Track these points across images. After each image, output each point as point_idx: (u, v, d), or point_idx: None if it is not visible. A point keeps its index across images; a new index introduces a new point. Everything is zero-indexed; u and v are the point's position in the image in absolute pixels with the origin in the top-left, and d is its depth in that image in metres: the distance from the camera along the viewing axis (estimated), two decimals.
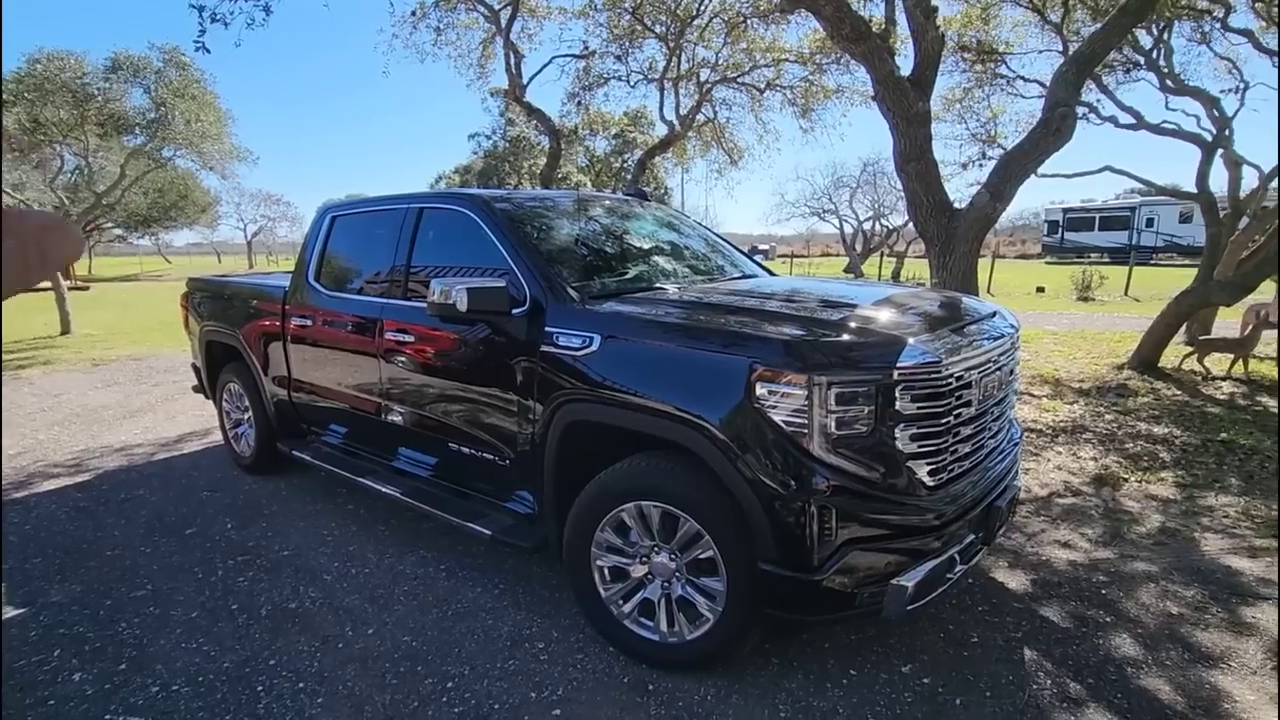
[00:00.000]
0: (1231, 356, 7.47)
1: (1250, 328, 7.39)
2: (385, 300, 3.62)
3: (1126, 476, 4.50)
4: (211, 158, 13.94)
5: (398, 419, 3.58)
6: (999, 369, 2.68)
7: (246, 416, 4.79)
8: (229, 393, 4.94)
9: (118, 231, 40.02)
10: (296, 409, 4.35)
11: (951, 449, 2.41)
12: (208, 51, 6.65)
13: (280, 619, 3.01)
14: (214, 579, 3.38)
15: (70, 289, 14.58)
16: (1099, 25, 6.30)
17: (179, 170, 23.98)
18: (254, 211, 57.03)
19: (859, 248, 35.40)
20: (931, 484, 2.35)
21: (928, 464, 2.33)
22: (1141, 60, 10.06)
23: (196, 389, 5.49)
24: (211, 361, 5.10)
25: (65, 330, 12.48)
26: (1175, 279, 13.11)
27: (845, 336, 2.33)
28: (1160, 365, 7.81)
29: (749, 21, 10.70)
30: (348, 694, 2.51)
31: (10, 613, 3.09)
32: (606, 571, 2.69)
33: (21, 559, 3.60)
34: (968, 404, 2.45)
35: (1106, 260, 32.24)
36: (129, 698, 2.51)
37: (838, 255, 48.51)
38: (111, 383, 8.14)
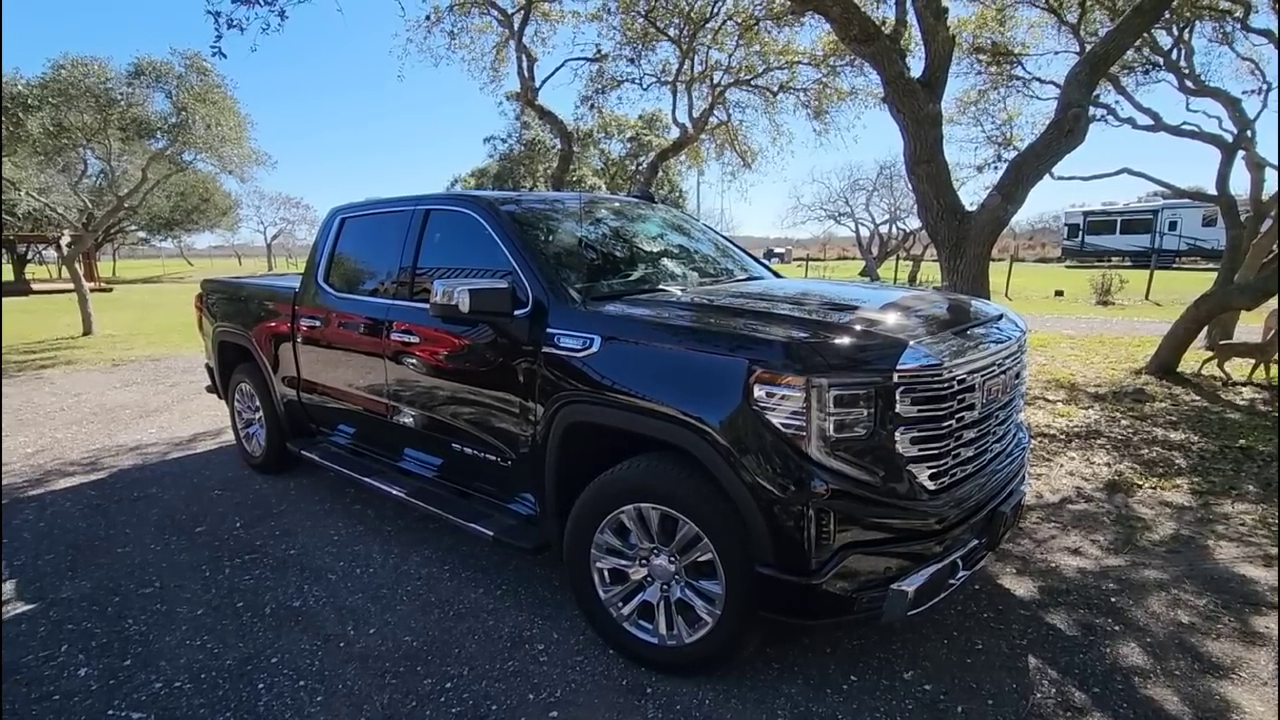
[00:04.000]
0: (1253, 361, 7.33)
1: (1272, 332, 7.23)
2: (392, 301, 3.64)
3: (1140, 482, 4.43)
4: (231, 161, 14.12)
5: (403, 419, 3.60)
6: (1004, 372, 2.65)
7: (257, 416, 4.84)
8: (240, 393, 5.00)
9: (141, 234, 40.79)
10: (305, 409, 4.39)
11: (954, 453, 2.38)
12: (224, 57, 6.75)
13: (284, 617, 3.04)
14: (221, 577, 3.41)
15: (92, 290, 14.83)
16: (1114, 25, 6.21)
17: (200, 174, 24.38)
18: (273, 214, 57.92)
19: (875, 251, 35.17)
20: (933, 488, 2.32)
21: (929, 468, 2.30)
22: (1161, 61, 9.91)
23: (210, 389, 5.56)
24: (224, 362, 5.16)
25: (87, 331, 12.70)
26: (1198, 283, 12.88)
27: (844, 338, 2.31)
28: (1179, 370, 7.68)
29: (761, 23, 10.67)
30: (347, 693, 2.52)
31: (21, 608, 3.14)
32: (606, 573, 2.69)
33: (34, 555, 3.66)
34: (970, 407, 2.42)
35: (1128, 264, 31.79)
36: (133, 693, 2.54)
37: (854, 258, 48.21)
38: (130, 383, 8.27)
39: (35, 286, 27.02)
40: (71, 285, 13.66)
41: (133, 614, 3.08)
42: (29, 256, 35.56)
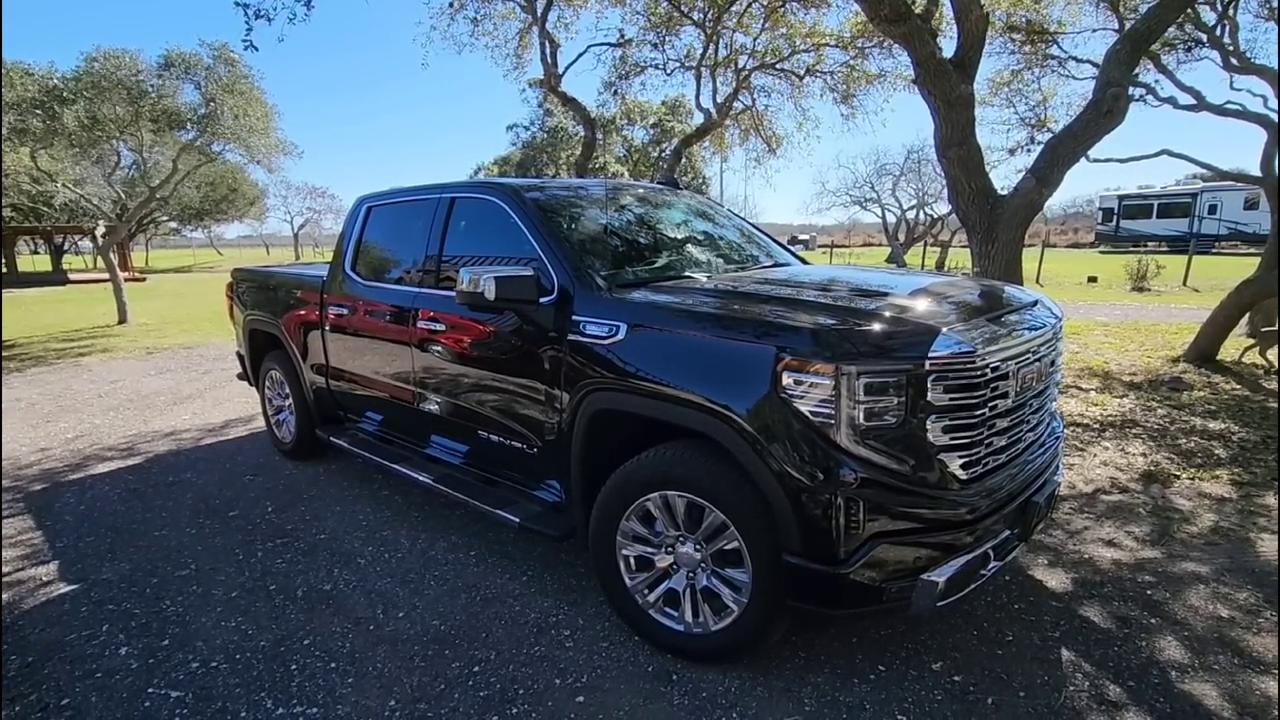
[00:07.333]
0: None
1: None
2: (418, 289, 3.66)
3: (1178, 473, 4.32)
4: (258, 151, 14.29)
5: (429, 406, 3.63)
6: (1039, 360, 2.58)
7: (287, 403, 4.92)
8: (271, 380, 5.08)
9: (172, 224, 41.63)
10: (334, 396, 4.45)
11: (986, 442, 2.33)
12: (255, 49, 6.80)
13: (315, 600, 3.09)
14: (253, 560, 3.48)
15: (127, 280, 15.16)
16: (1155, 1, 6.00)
17: (228, 164, 24.77)
18: (300, 204, 58.66)
19: (902, 237, 34.60)
20: (965, 477, 2.28)
21: (960, 457, 2.26)
22: (1204, 38, 9.58)
23: (241, 376, 5.66)
24: (255, 349, 5.25)
25: (122, 320, 13.01)
26: (1238, 268, 12.51)
27: (875, 325, 2.27)
28: (1219, 358, 7.46)
29: (787, 5, 10.50)
30: (377, 675, 2.56)
31: (64, 589, 3.24)
32: (632, 561, 2.69)
33: (76, 538, 3.77)
34: (1004, 395, 2.37)
35: (1165, 249, 30.93)
36: (171, 672, 2.60)
37: (880, 245, 47.59)
38: (164, 370, 8.45)
39: (72, 277, 27.74)
40: (107, 275, 13.97)
41: (170, 595, 3.16)
42: (65, 247, 36.43)
